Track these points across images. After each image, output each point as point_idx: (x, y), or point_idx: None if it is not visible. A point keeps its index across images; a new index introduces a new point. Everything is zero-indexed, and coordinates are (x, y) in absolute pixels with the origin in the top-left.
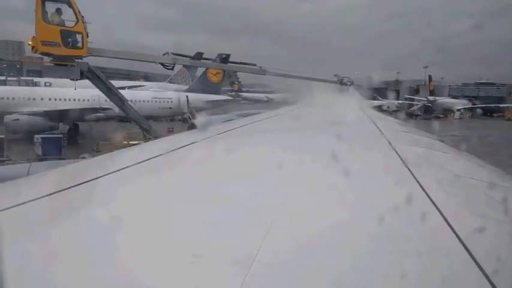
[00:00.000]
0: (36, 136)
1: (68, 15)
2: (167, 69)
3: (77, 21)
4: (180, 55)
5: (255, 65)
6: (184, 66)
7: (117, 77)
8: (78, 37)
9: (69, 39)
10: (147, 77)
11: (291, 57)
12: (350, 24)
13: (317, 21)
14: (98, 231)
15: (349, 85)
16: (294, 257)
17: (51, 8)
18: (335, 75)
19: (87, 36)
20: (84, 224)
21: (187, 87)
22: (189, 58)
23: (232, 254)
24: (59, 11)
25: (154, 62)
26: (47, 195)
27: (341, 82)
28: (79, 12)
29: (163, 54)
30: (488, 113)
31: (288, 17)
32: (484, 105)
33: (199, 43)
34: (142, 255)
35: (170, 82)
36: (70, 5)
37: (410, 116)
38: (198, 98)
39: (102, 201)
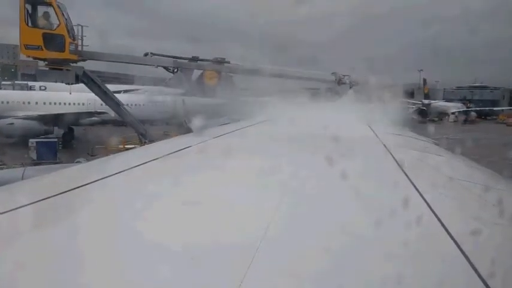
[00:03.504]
0: (31, 140)
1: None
2: (169, 72)
3: (59, 23)
4: (160, 55)
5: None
6: (180, 69)
7: (112, 81)
8: (60, 40)
9: (51, 42)
10: (143, 81)
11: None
12: (343, 26)
13: (308, 22)
14: (94, 236)
15: (351, 86)
16: (291, 260)
17: (34, 10)
18: (333, 73)
19: (82, 39)
20: (79, 228)
21: (183, 90)
22: (196, 61)
23: (229, 257)
24: (44, 14)
25: (155, 66)
26: (41, 200)
27: (339, 81)
28: (62, 14)
29: (144, 55)
30: (482, 116)
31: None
32: (478, 109)
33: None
34: (139, 260)
35: (166, 86)
36: (53, 8)
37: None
38: (194, 101)
39: (98, 205)
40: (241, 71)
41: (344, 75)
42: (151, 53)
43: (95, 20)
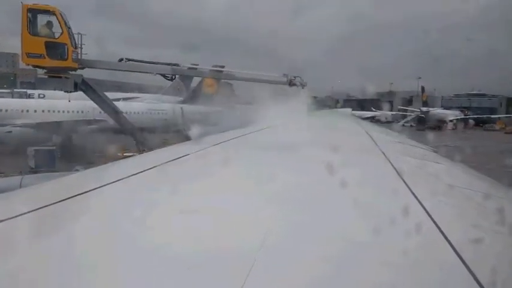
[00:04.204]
0: (29, 148)
1: (56, 26)
2: (167, 79)
3: (62, 32)
4: (136, 61)
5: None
6: (179, 77)
7: (111, 89)
8: (63, 48)
9: (54, 51)
10: (142, 89)
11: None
12: (341, 35)
13: (307, 30)
14: (92, 245)
15: (301, 87)
16: (290, 269)
17: (36, 19)
18: (284, 74)
19: (81, 48)
20: (77, 237)
21: (181, 98)
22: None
23: (227, 266)
24: (47, 23)
25: (153, 73)
26: (39, 208)
27: (290, 83)
28: (65, 23)
29: (119, 60)
30: (480, 123)
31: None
32: (476, 116)
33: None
34: (137, 269)
35: (165, 94)
36: (55, 16)
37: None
38: (193, 109)
39: (96, 214)
40: (197, 73)
41: (295, 77)
42: (126, 59)
43: (92, 29)
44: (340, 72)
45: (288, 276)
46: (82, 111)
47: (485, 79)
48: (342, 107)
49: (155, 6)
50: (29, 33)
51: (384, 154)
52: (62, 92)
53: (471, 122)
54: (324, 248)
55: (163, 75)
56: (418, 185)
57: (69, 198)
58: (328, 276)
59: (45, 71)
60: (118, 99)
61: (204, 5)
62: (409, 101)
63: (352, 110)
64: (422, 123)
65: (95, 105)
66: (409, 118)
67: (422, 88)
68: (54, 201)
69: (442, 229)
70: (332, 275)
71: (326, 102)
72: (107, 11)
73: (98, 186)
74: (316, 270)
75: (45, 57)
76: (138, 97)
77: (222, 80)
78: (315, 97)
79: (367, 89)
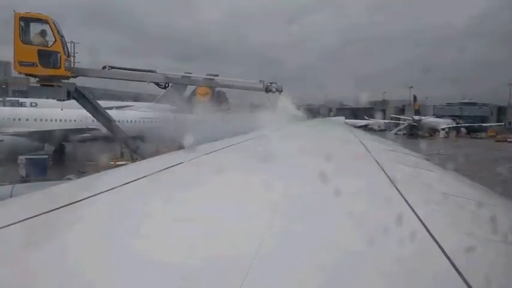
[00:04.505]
0: (21, 157)
1: (49, 35)
2: (160, 88)
3: (55, 40)
4: (118, 68)
5: None
6: (172, 86)
7: (104, 98)
8: (56, 56)
9: (46, 59)
10: (135, 98)
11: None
12: (335, 46)
13: (297, 42)
14: (84, 255)
15: (275, 92)
16: (284, 280)
17: (29, 27)
18: (260, 81)
19: (74, 56)
20: (69, 247)
21: (175, 107)
22: (187, 77)
23: (221, 276)
24: (41, 32)
25: (146, 82)
26: (30, 217)
27: (267, 89)
28: (57, 31)
29: (103, 68)
30: (471, 131)
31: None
32: (467, 125)
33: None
34: (130, 278)
35: (158, 102)
36: (48, 25)
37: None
38: (186, 118)
39: (88, 223)
40: (174, 80)
41: (271, 83)
42: (109, 66)
43: (85, 38)
44: (333, 82)
45: (282, 286)
46: (75, 120)
47: (476, 88)
48: (335, 115)
49: (148, 17)
50: (22, 41)
51: (377, 162)
52: (55, 100)
53: (463, 130)
54: (318, 256)
55: (157, 84)
56: (411, 193)
57: (60, 207)
58: (322, 285)
59: (37, 79)
60: (111, 108)
61: (196, 16)
62: (401, 110)
63: (346, 118)
64: (415, 132)
65: (88, 114)
66: (401, 126)
67: (415, 97)
68: (46, 211)
69: (436, 237)
70: (326, 284)
71: (320, 111)
72: (100, 20)
73: (90, 195)
74: (311, 279)
75: (37, 66)
76: (131, 105)
77: (216, 89)
78: (308, 105)
79: (360, 97)
